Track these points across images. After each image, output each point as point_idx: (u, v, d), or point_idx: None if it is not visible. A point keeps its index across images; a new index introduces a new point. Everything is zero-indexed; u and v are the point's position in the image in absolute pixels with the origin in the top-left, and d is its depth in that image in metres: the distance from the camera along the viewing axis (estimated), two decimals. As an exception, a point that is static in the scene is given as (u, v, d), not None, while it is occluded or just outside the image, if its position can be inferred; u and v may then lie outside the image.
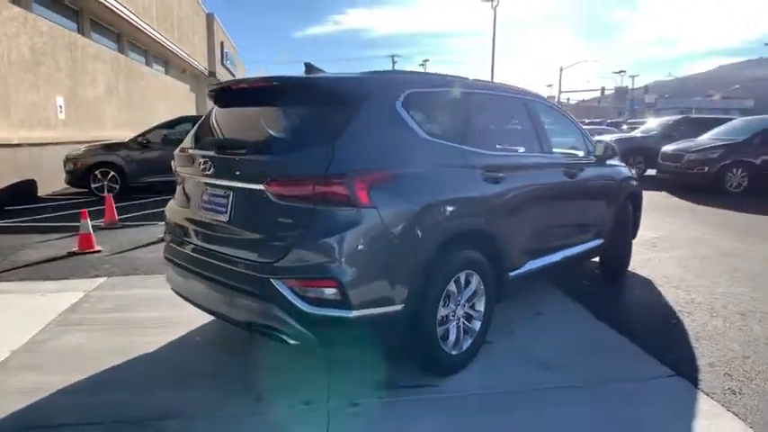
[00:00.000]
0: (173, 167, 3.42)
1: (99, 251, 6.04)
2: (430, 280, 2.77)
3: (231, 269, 2.72)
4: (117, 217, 7.69)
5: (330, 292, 2.47)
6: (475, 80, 3.63)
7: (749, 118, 13.88)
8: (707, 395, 2.92)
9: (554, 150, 4.07)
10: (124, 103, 15.95)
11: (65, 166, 10.26)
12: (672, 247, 6.54)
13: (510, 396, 2.89)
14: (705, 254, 6.17)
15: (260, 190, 2.61)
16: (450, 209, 2.90)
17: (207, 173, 2.87)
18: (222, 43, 31.50)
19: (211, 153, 2.90)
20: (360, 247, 2.49)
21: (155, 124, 11.38)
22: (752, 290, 4.79)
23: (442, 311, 2.90)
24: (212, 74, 29.10)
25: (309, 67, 3.24)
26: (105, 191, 10.14)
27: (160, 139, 10.75)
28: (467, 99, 3.32)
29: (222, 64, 31.44)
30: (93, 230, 6.19)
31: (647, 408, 2.80)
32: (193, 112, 25.69)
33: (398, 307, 2.64)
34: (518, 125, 3.86)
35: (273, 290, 2.51)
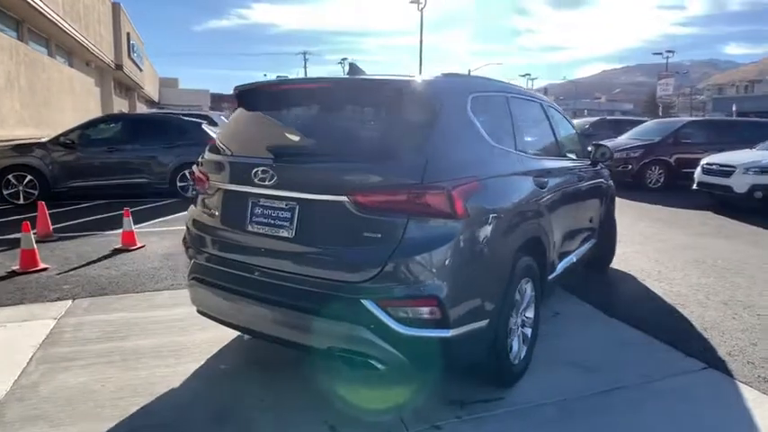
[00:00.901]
0: (199, 175, 3.01)
1: (46, 269, 5.26)
2: (507, 291, 2.68)
3: (302, 290, 2.44)
4: (51, 228, 6.77)
5: (428, 310, 2.29)
6: (510, 84, 3.59)
7: (660, 120, 15.33)
8: (745, 384, 3.11)
9: (566, 154, 4.16)
10: (27, 97, 14.15)
11: (-32, 171, 8.88)
12: (631, 242, 6.99)
13: (579, 402, 2.89)
14: (663, 247, 6.67)
15: (340, 202, 2.37)
16: (520, 217, 2.85)
17: (264, 183, 2.55)
18: (128, 34, 29.09)
19: (269, 161, 2.58)
20: (457, 261, 2.35)
21: (81, 122, 10.23)
22: (718, 280, 5.24)
23: (510, 322, 2.83)
24: (119, 67, 26.78)
25: (354, 68, 3.01)
26: (21, 198, 8.94)
27: (86, 138, 9.67)
28: (511, 103, 3.27)
29: (129, 56, 29.04)
30: (34, 245, 5.38)
31: (704, 403, 2.94)
32: (99, 108, 23.54)
33: (485, 322, 2.53)
34: (543, 129, 3.89)
35: (364, 311, 2.29)
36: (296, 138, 2.74)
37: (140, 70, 33.73)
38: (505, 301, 2.69)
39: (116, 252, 6.02)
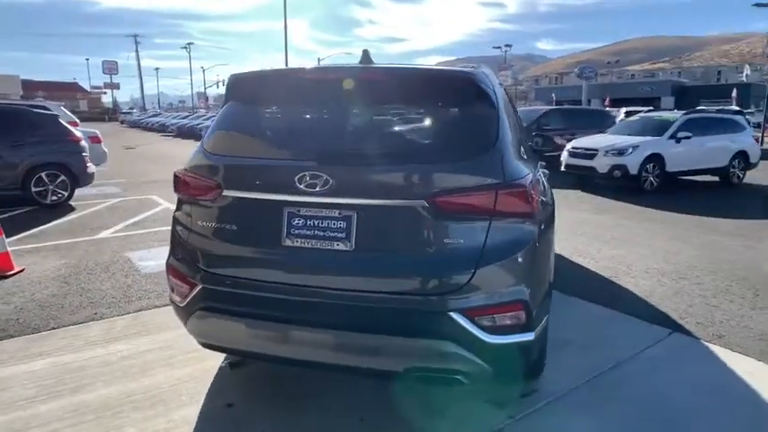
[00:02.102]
0: (191, 181, 2.47)
1: None
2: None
3: (371, 308, 2.16)
4: None
5: (515, 315, 2.19)
6: None
7: (524, 108, 16.88)
8: (710, 343, 3.57)
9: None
10: None
11: None
12: (537, 222, 7.62)
13: (600, 380, 3.05)
14: (564, 225, 7.33)
15: (414, 207, 2.12)
16: (550, 209, 2.86)
17: (314, 190, 2.18)
18: None
19: (313, 164, 2.20)
20: (534, 260, 2.28)
21: None
22: (627, 251, 5.95)
23: None
24: None
25: (366, 55, 2.70)
26: None
27: None
28: (506, 94, 3.25)
29: None
30: None
31: (691, 364, 3.30)
32: None
33: (547, 316, 2.51)
34: (518, 118, 3.95)
35: (452, 324, 2.10)
36: (348, 136, 2.38)
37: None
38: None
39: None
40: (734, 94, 32.80)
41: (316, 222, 2.24)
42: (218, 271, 2.40)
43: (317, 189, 2.18)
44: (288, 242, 2.27)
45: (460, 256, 2.13)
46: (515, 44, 59.81)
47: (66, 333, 3.67)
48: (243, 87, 2.60)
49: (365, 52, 2.73)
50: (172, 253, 2.63)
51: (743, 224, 7.54)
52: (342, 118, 2.48)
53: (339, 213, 2.21)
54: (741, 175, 11.59)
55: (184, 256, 2.53)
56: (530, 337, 2.23)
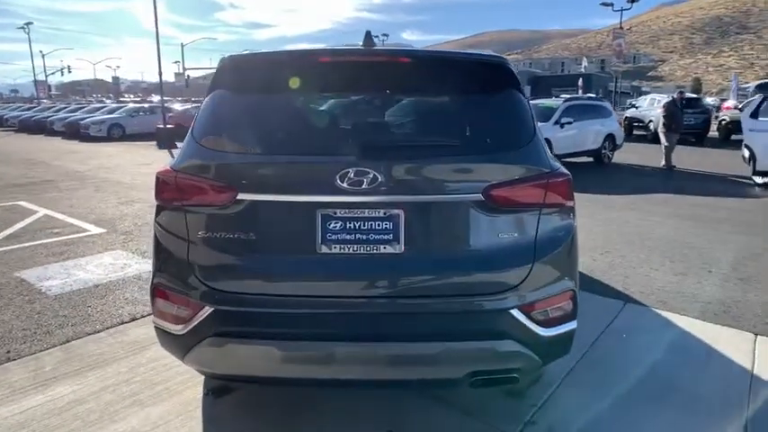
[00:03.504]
0: (189, 183, 2.05)
1: None
2: None
3: (426, 313, 2.00)
4: None
5: (564, 306, 2.17)
6: None
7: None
8: (658, 310, 3.94)
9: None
10: None
11: None
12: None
13: (592, 354, 3.21)
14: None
15: (468, 201, 1.99)
16: None
17: (361, 188, 1.92)
18: None
19: (354, 160, 1.94)
20: (574, 248, 2.27)
21: None
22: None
23: None
24: None
25: (369, 38, 2.46)
26: None
27: None
28: None
29: None
30: None
31: (652, 330, 3.62)
32: None
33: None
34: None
35: (513, 322, 2.02)
36: (388, 128, 2.14)
37: None
38: None
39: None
40: (580, 83, 36.92)
41: (357, 225, 1.99)
42: (235, 288, 2.04)
43: (363, 187, 1.94)
44: (324, 249, 1.99)
45: (517, 251, 2.05)
46: (383, 34, 60.86)
47: (-21, 381, 2.92)
48: (242, 72, 2.22)
49: (368, 34, 2.49)
50: (160, 271, 2.19)
51: (630, 199, 8.50)
52: (374, 107, 2.25)
53: (384, 213, 1.99)
54: (611, 156, 13.08)
55: (182, 275, 2.10)
56: (574, 325, 2.23)
